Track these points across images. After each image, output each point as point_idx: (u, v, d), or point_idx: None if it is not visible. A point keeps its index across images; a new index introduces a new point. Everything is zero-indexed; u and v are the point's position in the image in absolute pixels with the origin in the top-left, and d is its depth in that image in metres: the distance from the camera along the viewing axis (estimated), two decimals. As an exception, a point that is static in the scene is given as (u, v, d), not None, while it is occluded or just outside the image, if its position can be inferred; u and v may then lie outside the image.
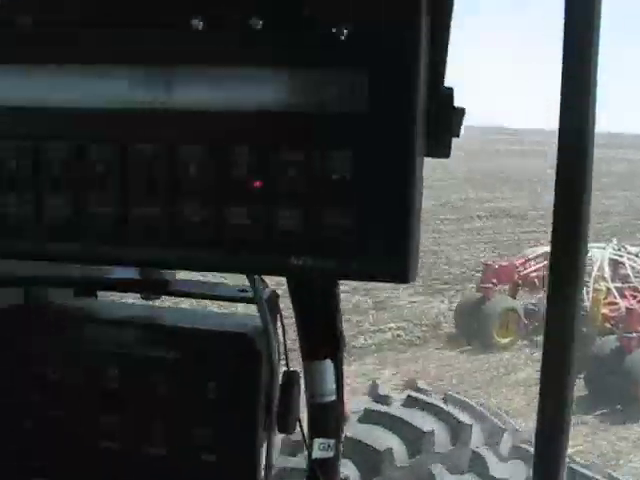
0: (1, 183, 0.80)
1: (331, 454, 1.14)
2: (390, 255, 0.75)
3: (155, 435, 1.03)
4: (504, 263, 14.87)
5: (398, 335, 14.47)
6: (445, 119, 0.79)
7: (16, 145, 0.79)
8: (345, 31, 0.71)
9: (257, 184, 0.75)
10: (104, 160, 0.77)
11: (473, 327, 13.67)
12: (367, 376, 11.24)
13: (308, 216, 0.74)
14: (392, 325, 14.72)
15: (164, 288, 1.07)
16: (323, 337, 1.11)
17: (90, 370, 1.03)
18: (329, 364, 1.11)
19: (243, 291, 1.10)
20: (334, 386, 1.13)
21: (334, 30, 0.71)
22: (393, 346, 13.94)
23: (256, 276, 1.03)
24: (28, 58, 0.78)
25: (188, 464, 1.03)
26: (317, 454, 1.13)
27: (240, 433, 1.03)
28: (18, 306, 1.08)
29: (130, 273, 1.08)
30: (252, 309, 1.08)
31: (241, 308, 1.17)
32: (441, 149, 0.80)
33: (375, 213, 0.74)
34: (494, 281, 14.01)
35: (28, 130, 0.79)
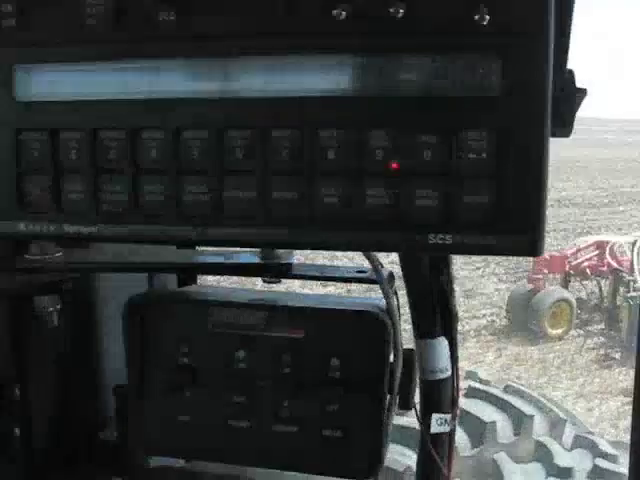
0: (143, 170, 0.84)
1: (447, 429, 1.17)
2: (524, 230, 0.76)
3: (283, 413, 1.07)
4: (555, 253, 14.70)
5: (492, 321, 14.56)
6: (568, 100, 0.81)
7: (157, 135, 0.83)
8: (487, 17, 0.73)
9: (395, 166, 0.77)
10: (245, 145, 0.80)
11: (525, 318, 13.61)
12: (471, 359, 11.49)
13: (445, 195, 0.77)
14: (485, 312, 14.83)
15: (286, 271, 1.10)
16: (437, 315, 1.13)
17: (219, 352, 1.07)
18: (443, 341, 1.14)
19: (361, 272, 1.12)
20: (449, 362, 1.15)
21: (476, 17, 0.73)
22: (490, 331, 14.05)
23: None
24: (189, 51, 0.81)
25: (315, 440, 1.06)
26: (435, 429, 1.15)
27: (367, 410, 1.05)
28: (146, 294, 1.12)
29: (249, 258, 1.12)
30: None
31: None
32: (564, 129, 0.83)
33: (510, 190, 0.76)
34: (545, 271, 13.88)
35: (169, 120, 0.82)
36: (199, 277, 1.31)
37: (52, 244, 1.17)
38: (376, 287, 1.09)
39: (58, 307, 1.19)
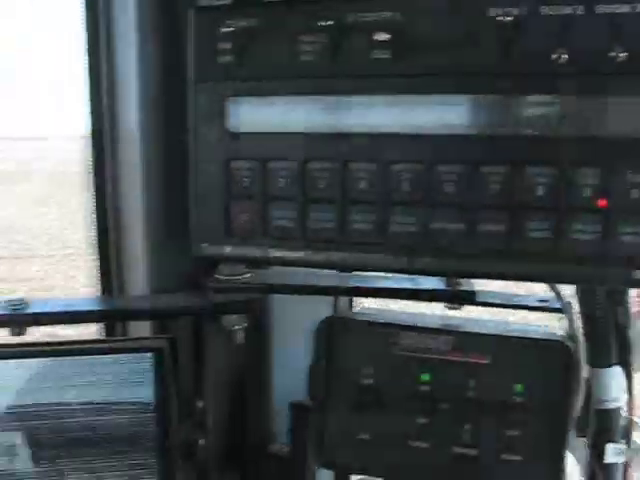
0: (351, 200, 0.89)
1: (623, 459, 1.17)
2: None
3: (464, 436, 1.10)
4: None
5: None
6: None
7: (366, 166, 0.88)
8: None
9: (602, 203, 0.81)
10: (454, 180, 0.85)
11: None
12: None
13: None
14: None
15: (470, 298, 1.14)
16: (613, 344, 1.15)
17: (403, 375, 1.11)
18: (618, 370, 1.15)
19: (542, 301, 1.15)
20: (622, 392, 1.16)
21: None
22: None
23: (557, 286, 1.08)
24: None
25: (494, 464, 1.09)
26: (610, 459, 1.16)
27: (547, 436, 1.07)
28: (335, 316, 1.17)
29: (433, 283, 1.16)
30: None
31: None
32: None
33: None
34: None
35: (377, 153, 0.87)
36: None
37: (241, 265, 1.24)
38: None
39: (244, 325, 1.26)
